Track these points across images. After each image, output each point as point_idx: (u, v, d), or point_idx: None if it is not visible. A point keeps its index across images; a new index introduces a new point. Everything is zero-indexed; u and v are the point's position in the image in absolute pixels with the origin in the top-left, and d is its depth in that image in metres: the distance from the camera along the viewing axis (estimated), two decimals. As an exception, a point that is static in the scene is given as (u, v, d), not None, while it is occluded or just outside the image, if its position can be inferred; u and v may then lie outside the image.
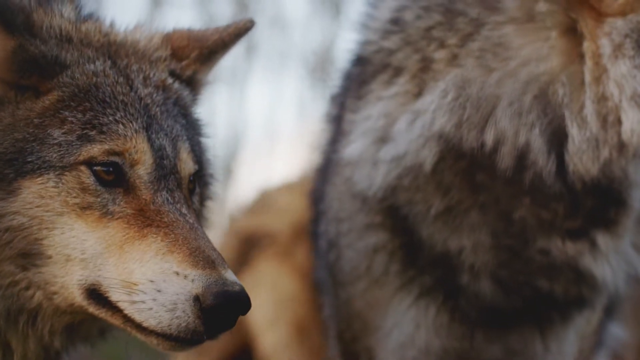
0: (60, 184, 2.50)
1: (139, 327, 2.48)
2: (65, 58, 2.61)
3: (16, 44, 2.54)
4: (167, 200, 2.56)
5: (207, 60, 2.91)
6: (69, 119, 2.54)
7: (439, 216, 3.07)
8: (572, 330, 3.28)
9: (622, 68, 2.84)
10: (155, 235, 2.49)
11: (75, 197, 2.51)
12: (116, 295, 2.48)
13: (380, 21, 3.24)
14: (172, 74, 2.83)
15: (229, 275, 2.46)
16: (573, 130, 2.90)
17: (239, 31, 2.93)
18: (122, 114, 2.59)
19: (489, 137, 2.96)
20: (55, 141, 2.52)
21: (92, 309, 2.52)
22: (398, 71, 3.13)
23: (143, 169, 2.57)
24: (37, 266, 2.52)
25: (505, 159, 2.95)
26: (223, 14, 9.93)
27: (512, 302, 3.13)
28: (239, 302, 2.45)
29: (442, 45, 3.05)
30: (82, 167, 2.52)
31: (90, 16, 2.79)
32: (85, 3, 2.84)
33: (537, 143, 2.93)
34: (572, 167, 2.93)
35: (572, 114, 2.90)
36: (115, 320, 2.52)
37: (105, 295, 2.50)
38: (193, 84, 2.89)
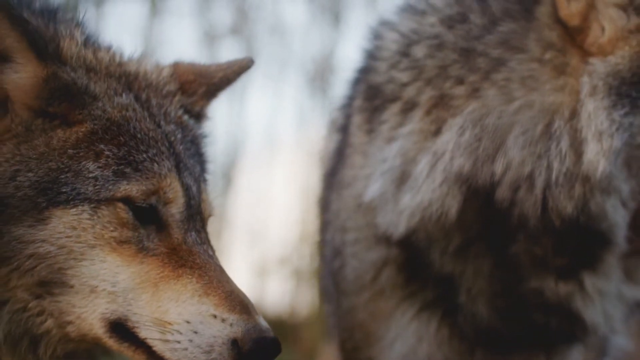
0: (96, 217, 2.50)
1: None
2: (95, 89, 2.62)
3: (49, 72, 2.54)
4: (196, 240, 2.60)
5: (212, 96, 2.97)
6: (105, 152, 2.54)
7: (456, 251, 3.08)
8: (576, 350, 3.26)
9: (591, 106, 2.89)
10: (190, 276, 2.52)
11: (112, 230, 2.51)
12: (147, 332, 2.49)
13: (389, 51, 3.24)
14: (185, 109, 2.86)
15: (262, 321, 2.51)
16: (555, 164, 2.92)
17: (242, 70, 3.00)
18: (154, 151, 2.61)
19: (498, 167, 2.95)
20: (92, 175, 2.51)
21: (112, 342, 2.53)
22: (410, 105, 3.13)
23: (175, 207, 2.60)
24: (54, 295, 2.51)
25: (504, 189, 2.95)
26: (222, 22, 9.92)
27: (510, 328, 3.13)
28: (274, 348, 2.50)
29: (461, 82, 3.05)
30: (119, 203, 2.53)
31: (96, 42, 2.80)
32: (88, 22, 2.85)
33: (541, 177, 2.93)
34: (550, 203, 2.93)
35: (557, 148, 2.91)
36: (138, 356, 2.53)
37: (133, 330, 2.50)
38: (200, 119, 2.93)
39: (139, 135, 2.61)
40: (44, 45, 2.55)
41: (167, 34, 9.54)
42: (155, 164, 2.59)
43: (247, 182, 9.73)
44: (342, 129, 3.47)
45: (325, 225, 3.53)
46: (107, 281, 2.50)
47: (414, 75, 3.15)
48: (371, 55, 3.33)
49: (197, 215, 2.66)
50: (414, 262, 3.17)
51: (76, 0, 8.81)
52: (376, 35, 3.34)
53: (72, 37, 2.68)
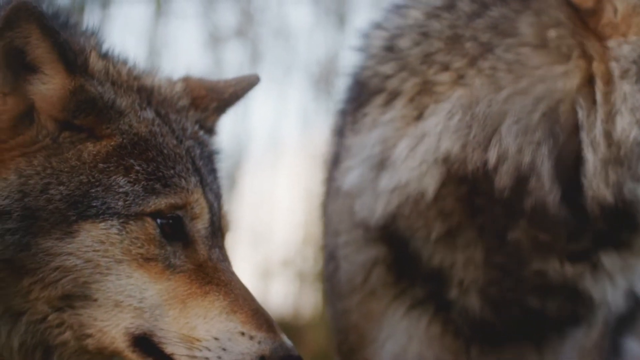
0: (124, 232, 2.53)
1: None
2: (121, 103, 2.64)
3: (76, 85, 2.56)
4: (219, 257, 2.64)
5: (222, 112, 3.01)
6: (135, 167, 2.57)
7: (439, 239, 3.09)
8: (569, 345, 3.26)
9: (626, 87, 2.91)
10: (217, 293, 2.56)
11: (139, 247, 2.54)
12: (173, 348, 2.52)
13: (375, 48, 3.27)
14: (200, 125, 2.90)
15: (287, 339, 2.57)
16: (588, 154, 2.93)
17: (250, 87, 3.06)
18: (181, 167, 2.64)
19: (492, 155, 2.96)
20: (122, 189, 2.54)
21: (134, 356, 2.55)
22: (393, 95, 3.16)
23: (201, 223, 2.64)
24: (75, 308, 2.53)
25: (504, 178, 2.95)
26: (227, 24, 9.93)
27: (501, 319, 3.14)
28: None
29: (445, 68, 3.07)
30: (148, 219, 2.55)
31: (114, 55, 2.82)
32: (94, 23, 2.87)
33: (545, 166, 2.94)
34: (590, 193, 2.94)
35: (588, 137, 2.92)
36: None
37: (159, 345, 2.53)
38: (212, 135, 2.96)
39: (165, 151, 2.64)
40: (74, 58, 2.57)
41: (171, 35, 9.52)
42: (183, 180, 2.63)
43: (251, 184, 9.73)
44: (339, 133, 3.50)
45: (324, 229, 3.56)
46: (133, 297, 2.53)
47: (398, 67, 3.18)
48: (359, 55, 3.37)
49: (218, 231, 2.70)
50: (402, 259, 3.18)
51: (82, 2, 8.82)
52: (364, 36, 3.38)
53: (95, 51, 2.71)
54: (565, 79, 2.95)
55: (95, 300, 2.52)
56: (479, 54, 3.03)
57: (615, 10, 2.95)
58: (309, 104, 10.39)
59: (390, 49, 3.23)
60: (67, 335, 2.56)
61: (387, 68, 3.20)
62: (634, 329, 3.55)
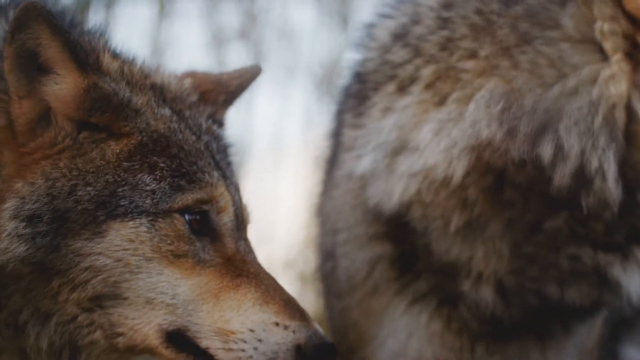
0: (154, 230, 2.54)
1: None
2: (137, 101, 2.65)
3: (89, 83, 2.56)
4: (246, 249, 2.67)
5: (230, 104, 3.04)
6: (160, 164, 2.59)
7: (458, 231, 3.06)
8: (572, 343, 3.26)
9: None
10: (248, 285, 2.58)
11: (169, 244, 2.55)
12: (209, 342, 2.54)
13: (381, 39, 3.25)
14: (212, 119, 2.92)
15: (319, 327, 2.60)
16: None
17: (254, 77, 3.09)
18: (202, 162, 2.66)
19: (547, 151, 2.93)
20: (148, 187, 2.55)
21: (167, 352, 2.57)
22: (408, 82, 3.13)
23: (227, 216, 2.66)
24: (105, 307, 2.55)
25: (565, 177, 2.93)
26: (230, 25, 9.94)
27: (512, 312, 3.12)
28: (333, 353, 2.60)
29: (471, 56, 3.04)
30: (177, 215, 2.57)
31: (123, 54, 2.83)
32: (100, 23, 2.89)
33: (611, 169, 2.92)
34: None
35: None
36: None
37: (193, 340, 2.55)
38: (222, 128, 2.98)
39: (185, 147, 2.66)
40: (85, 56, 2.58)
41: (175, 36, 9.54)
42: (207, 175, 2.65)
43: (253, 184, 9.73)
44: (335, 135, 3.49)
45: (318, 230, 3.55)
46: (165, 293, 2.54)
47: (412, 54, 3.15)
48: (362, 48, 3.34)
49: (242, 223, 2.72)
50: (407, 254, 3.16)
51: (87, 2, 8.84)
52: (367, 27, 3.36)
53: (107, 50, 2.72)
54: (614, 82, 2.91)
55: (126, 299, 2.53)
56: (514, 44, 2.99)
57: None
58: (312, 105, 10.39)
59: (401, 36, 3.20)
60: (97, 335, 2.57)
61: (399, 56, 3.17)
62: (632, 336, 3.54)
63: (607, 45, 2.92)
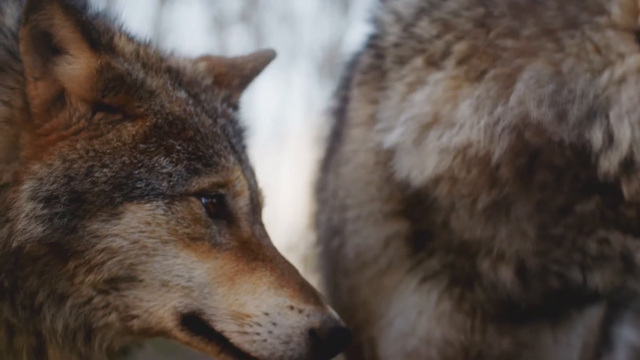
0: (170, 213, 2.54)
1: (243, 356, 2.56)
2: (152, 83, 2.65)
3: (102, 63, 2.56)
4: (261, 233, 2.68)
5: (244, 88, 3.03)
6: (176, 147, 2.58)
7: (485, 209, 3.04)
8: (581, 322, 3.27)
9: None
10: (263, 269, 2.59)
11: (186, 227, 2.55)
12: (223, 325, 2.55)
13: (403, 13, 3.21)
14: (227, 103, 2.91)
15: (334, 311, 2.61)
16: None
17: (268, 61, 3.09)
18: (219, 146, 2.66)
19: (597, 137, 2.91)
20: (165, 170, 2.55)
21: (182, 335, 2.58)
22: (440, 56, 3.10)
23: (243, 200, 2.66)
24: (120, 290, 2.55)
25: (613, 164, 2.92)
26: (231, 9, 9.92)
27: (530, 293, 3.11)
28: (348, 338, 2.61)
29: (511, 35, 3.01)
30: (193, 198, 2.57)
31: (137, 38, 2.82)
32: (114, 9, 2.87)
33: None
34: None
35: None
36: (210, 348, 2.59)
37: (208, 323, 2.56)
38: (237, 111, 2.97)
39: (202, 130, 2.65)
40: (97, 36, 2.57)
41: (176, 20, 9.52)
42: (223, 158, 2.64)
43: (255, 168, 9.73)
44: (338, 112, 3.47)
45: (320, 207, 3.53)
46: (181, 276, 2.54)
47: (443, 28, 3.12)
48: (379, 22, 3.30)
49: (257, 207, 2.72)
50: (422, 233, 3.14)
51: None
52: (385, 1, 3.30)
53: (122, 33, 2.72)
54: None
55: (141, 281, 2.54)
56: (560, 27, 2.97)
57: None
58: (314, 89, 10.39)
59: (427, 11, 3.16)
60: (112, 317, 2.57)
61: (426, 30, 3.14)
62: (626, 317, 3.54)
63: None
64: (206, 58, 3.00)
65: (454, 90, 3.06)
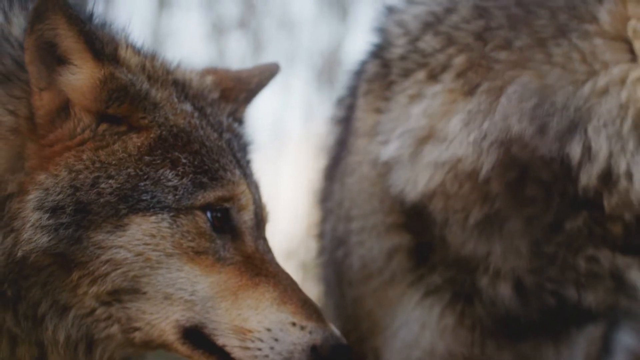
0: (175, 226, 2.54)
1: None
2: (156, 95, 2.64)
3: (106, 73, 2.56)
4: (265, 249, 2.68)
5: (250, 102, 3.04)
6: (182, 160, 2.58)
7: (477, 225, 3.05)
8: (583, 336, 3.26)
9: None
10: (266, 285, 2.59)
11: (190, 240, 2.55)
12: (225, 340, 2.55)
13: (410, 26, 3.22)
14: (233, 117, 2.92)
15: (335, 329, 2.62)
16: None
17: (273, 75, 3.10)
18: (225, 160, 2.66)
19: (576, 151, 2.91)
20: (170, 183, 2.55)
21: (184, 348, 2.58)
22: (440, 70, 3.11)
23: (247, 215, 2.66)
24: (123, 302, 2.55)
25: (592, 178, 2.91)
26: (230, 15, 9.92)
27: (529, 310, 3.11)
28: (348, 354, 2.61)
29: (505, 46, 3.01)
30: (199, 212, 2.57)
31: (144, 50, 2.82)
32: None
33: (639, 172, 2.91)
34: None
35: None
36: None
37: (210, 337, 2.56)
38: (242, 125, 2.98)
39: (207, 144, 2.65)
40: (101, 46, 2.57)
41: (175, 26, 9.51)
42: (229, 172, 2.65)
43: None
44: (343, 121, 3.47)
45: (325, 216, 3.52)
46: (184, 290, 2.55)
47: (445, 42, 3.13)
48: (385, 33, 3.30)
49: (261, 222, 2.72)
50: (424, 246, 3.14)
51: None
52: (392, 12, 3.32)
53: (128, 45, 2.72)
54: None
55: (145, 293, 2.54)
56: (550, 36, 2.97)
57: None
58: (312, 95, 10.38)
59: (432, 24, 3.17)
60: (114, 329, 2.57)
61: (430, 45, 3.15)
62: (626, 322, 3.53)
63: (637, 45, 2.90)
64: (212, 71, 3.00)
65: (450, 104, 3.07)
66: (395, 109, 3.17)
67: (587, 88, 2.90)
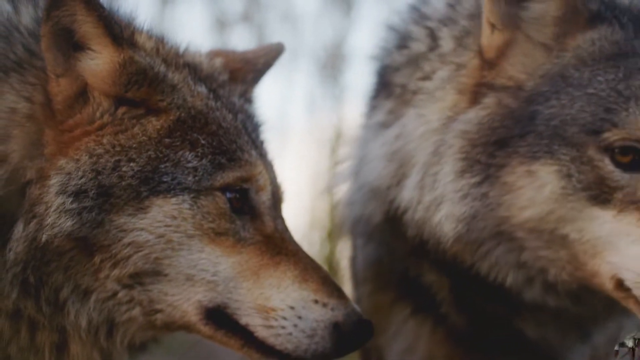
0: (196, 207, 2.57)
1: (267, 350, 2.59)
2: (173, 78, 2.67)
3: (125, 57, 2.58)
4: (283, 228, 2.72)
5: (257, 82, 3.08)
6: (201, 142, 2.61)
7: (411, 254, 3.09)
8: (589, 344, 3.28)
9: None
10: (287, 263, 2.63)
11: (211, 221, 2.58)
12: (248, 319, 2.59)
13: (434, 27, 3.21)
14: (244, 98, 2.95)
15: (356, 305, 2.65)
16: None
17: (278, 54, 3.14)
18: (241, 140, 2.70)
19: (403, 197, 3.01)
20: (190, 164, 2.58)
21: (206, 329, 2.61)
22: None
23: (265, 195, 2.70)
24: (145, 284, 2.57)
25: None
26: (233, 9, 9.92)
27: (490, 340, 3.15)
28: (370, 331, 2.64)
29: (426, 78, 3.12)
30: (218, 193, 2.60)
31: (154, 35, 2.84)
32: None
33: None
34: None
35: None
36: (234, 342, 2.62)
37: (233, 317, 2.59)
38: (252, 105, 3.02)
39: (224, 125, 2.69)
40: (120, 31, 2.59)
41: (178, 20, 9.50)
42: (246, 153, 2.68)
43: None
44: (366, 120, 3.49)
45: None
46: (206, 270, 2.58)
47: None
48: (408, 35, 3.26)
49: (277, 202, 2.76)
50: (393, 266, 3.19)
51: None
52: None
53: (145, 32, 2.75)
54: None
55: (166, 275, 2.56)
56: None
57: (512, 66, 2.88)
58: (316, 89, 10.39)
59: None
60: (136, 311, 2.60)
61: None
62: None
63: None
64: (220, 53, 3.03)
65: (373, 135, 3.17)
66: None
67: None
